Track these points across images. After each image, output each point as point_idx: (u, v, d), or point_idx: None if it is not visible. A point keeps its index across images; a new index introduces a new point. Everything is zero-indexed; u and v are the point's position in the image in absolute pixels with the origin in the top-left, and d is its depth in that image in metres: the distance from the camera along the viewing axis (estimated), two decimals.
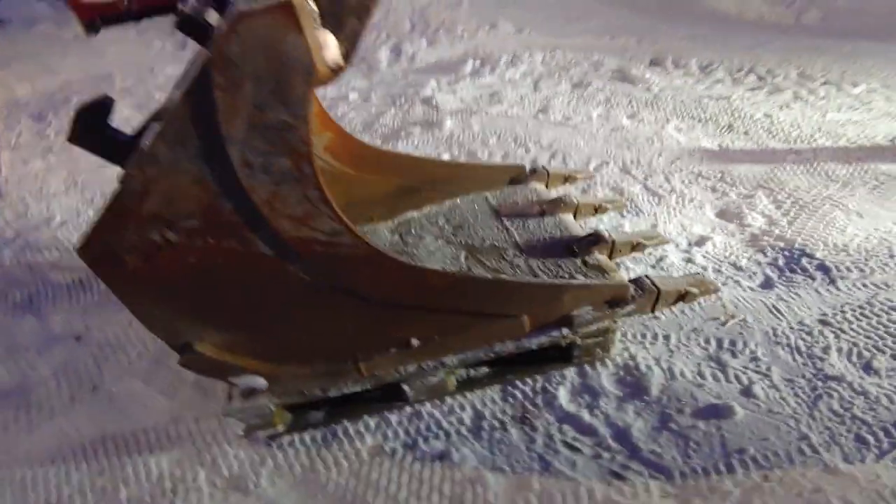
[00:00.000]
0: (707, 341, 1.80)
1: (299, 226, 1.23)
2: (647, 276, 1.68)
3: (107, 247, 1.17)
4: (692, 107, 3.36)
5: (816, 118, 3.08)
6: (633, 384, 1.70)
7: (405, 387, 1.66)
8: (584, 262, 1.80)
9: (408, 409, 1.71)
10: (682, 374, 1.70)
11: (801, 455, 1.44)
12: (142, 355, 2.12)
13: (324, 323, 1.47)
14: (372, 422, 1.69)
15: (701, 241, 2.25)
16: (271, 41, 0.95)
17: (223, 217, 1.19)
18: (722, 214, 2.41)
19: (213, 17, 1.32)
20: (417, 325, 1.55)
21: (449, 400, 1.72)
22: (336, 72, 1.05)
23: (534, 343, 1.66)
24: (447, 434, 1.63)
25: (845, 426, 1.50)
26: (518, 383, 1.74)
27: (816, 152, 2.78)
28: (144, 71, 5.82)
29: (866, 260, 2.05)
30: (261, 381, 1.54)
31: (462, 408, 1.70)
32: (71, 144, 1.24)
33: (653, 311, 1.70)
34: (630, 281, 1.65)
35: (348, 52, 1.34)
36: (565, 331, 1.66)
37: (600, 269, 1.76)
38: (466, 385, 1.75)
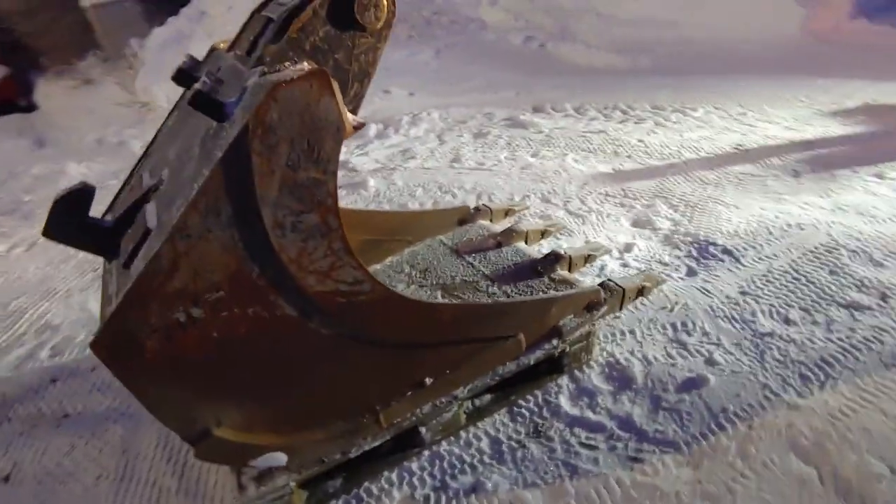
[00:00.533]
0: (664, 328, 2.07)
1: (324, 279, 1.25)
2: (609, 280, 1.92)
3: (126, 334, 1.09)
4: (580, 141, 3.89)
5: (677, 138, 3.74)
6: (620, 377, 1.89)
7: (422, 429, 1.67)
8: (552, 279, 2.00)
9: (426, 453, 1.71)
10: (655, 359, 1.94)
11: (768, 401, 1.72)
12: (103, 477, 1.84)
13: (343, 378, 1.46)
14: (394, 476, 1.66)
15: (628, 248, 2.59)
16: (307, 105, 1.02)
17: (250, 282, 1.18)
18: (636, 223, 2.80)
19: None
20: (430, 362, 1.60)
21: (462, 434, 1.76)
22: (357, 129, 1.14)
23: (531, 359, 1.79)
24: (472, 466, 1.66)
25: (789, 369, 1.82)
26: (521, 402, 1.84)
27: (687, 164, 3.37)
28: (2, 173, 5.17)
29: (754, 239, 2.53)
30: (280, 458, 1.46)
31: (478, 438, 1.75)
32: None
33: (621, 308, 1.93)
34: (598, 286, 1.88)
35: (354, 112, 1.44)
36: (555, 341, 1.81)
37: (567, 283, 1.96)
38: (476, 415, 1.81)
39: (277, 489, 1.48)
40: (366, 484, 1.63)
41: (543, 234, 2.41)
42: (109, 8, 6.88)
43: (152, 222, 1.19)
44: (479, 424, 1.79)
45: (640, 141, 3.76)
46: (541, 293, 1.91)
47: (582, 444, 1.68)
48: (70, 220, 1.24)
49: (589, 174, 3.37)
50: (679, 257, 2.49)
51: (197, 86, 1.07)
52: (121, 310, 1.07)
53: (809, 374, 1.79)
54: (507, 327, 1.71)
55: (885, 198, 2.80)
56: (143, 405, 1.20)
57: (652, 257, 2.52)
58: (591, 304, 1.84)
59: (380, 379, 1.53)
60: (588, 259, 2.19)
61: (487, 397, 1.86)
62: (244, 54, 1.55)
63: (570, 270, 2.11)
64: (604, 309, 1.86)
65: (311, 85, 1.00)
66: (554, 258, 2.06)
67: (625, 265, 2.49)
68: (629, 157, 3.56)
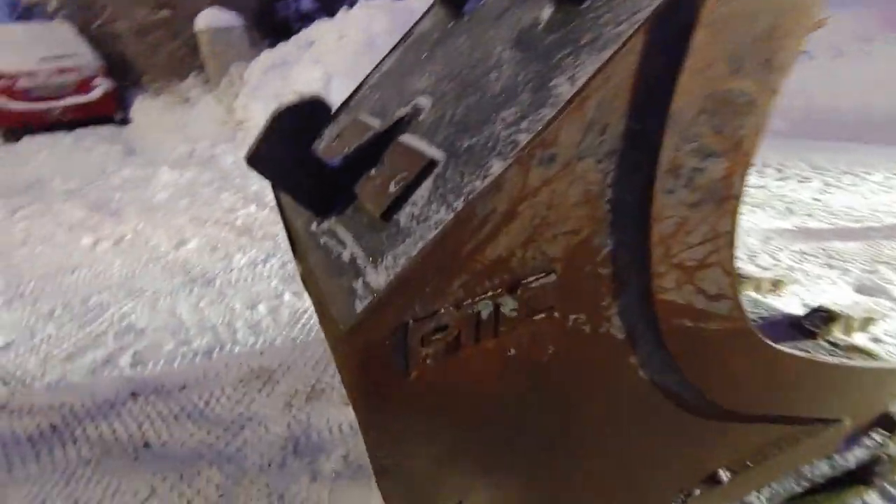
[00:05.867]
0: None
1: (685, 281, 0.74)
2: None
3: (396, 331, 0.61)
4: None
5: (862, 201, 3.16)
6: None
7: None
8: (832, 344, 1.42)
9: None
10: None
11: None
12: None
13: (627, 454, 0.91)
14: None
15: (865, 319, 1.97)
16: None
17: (591, 266, 0.68)
18: (861, 290, 2.20)
19: None
20: (733, 445, 1.03)
21: None
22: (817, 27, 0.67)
23: (851, 459, 1.19)
24: None
25: None
26: None
27: (893, 229, 2.77)
28: (93, 173, 5.07)
29: None
30: None
31: None
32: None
33: None
34: None
35: None
36: (878, 437, 1.21)
37: (860, 351, 1.38)
38: None
39: None
40: None
41: (776, 284, 1.85)
42: (220, 32, 7.06)
43: (432, 153, 0.73)
44: None
45: (815, 200, 3.19)
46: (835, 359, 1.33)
47: None
48: (289, 146, 0.79)
49: (768, 229, 2.81)
50: None
51: None
52: (400, 282, 0.58)
53: None
54: (832, 405, 1.13)
55: None
56: (374, 464, 0.68)
57: None
58: None
59: (670, 461, 0.97)
60: (865, 323, 1.60)
61: None
62: None
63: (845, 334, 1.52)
64: None
65: None
66: (826, 316, 1.49)
67: (876, 340, 1.87)
68: (809, 215, 2.99)
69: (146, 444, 1.65)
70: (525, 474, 0.82)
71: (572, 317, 0.70)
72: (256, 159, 0.78)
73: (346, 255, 0.74)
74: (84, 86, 7.85)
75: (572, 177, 0.60)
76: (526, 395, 0.74)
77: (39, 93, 7.44)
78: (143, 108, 8.06)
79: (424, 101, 0.90)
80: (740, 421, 0.98)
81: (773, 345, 0.92)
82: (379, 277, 0.63)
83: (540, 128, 0.58)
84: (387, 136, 0.87)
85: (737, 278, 0.79)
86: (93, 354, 2.13)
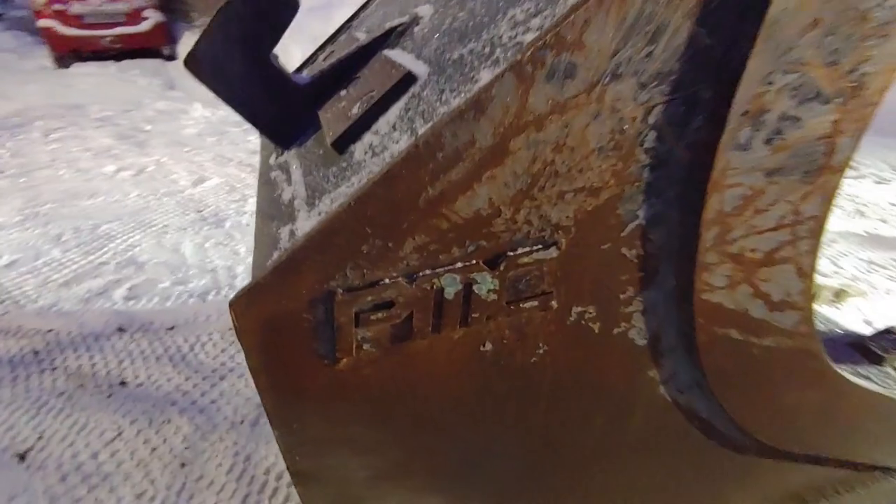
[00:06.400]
0: None
1: (741, 279, 0.54)
2: None
3: (311, 302, 0.43)
4: None
5: None
6: None
7: None
8: None
9: None
10: None
11: None
12: (145, 497, 1.22)
13: (641, 480, 0.73)
14: None
15: None
16: None
17: (606, 250, 0.49)
18: None
19: None
20: (764, 485, 0.84)
21: None
22: None
23: None
24: None
25: None
26: None
27: None
28: (129, 104, 5.05)
29: None
30: None
31: None
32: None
33: None
34: None
35: None
36: None
37: None
38: None
39: None
40: None
41: (838, 295, 1.59)
42: None
43: (413, 66, 0.53)
44: None
45: (893, 205, 2.82)
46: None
47: None
48: (240, 50, 0.61)
49: (833, 231, 2.49)
50: None
51: None
52: (328, 230, 0.41)
53: None
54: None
55: None
56: (289, 463, 0.52)
57: None
58: None
59: (686, 498, 0.79)
60: None
61: None
62: None
63: None
64: None
65: None
66: None
67: None
68: (883, 221, 2.64)
69: (122, 383, 1.57)
70: (501, 498, 0.66)
71: (576, 309, 0.51)
72: (194, 60, 0.61)
73: (286, 195, 0.56)
74: (135, 16, 7.84)
75: (598, 105, 0.40)
76: (502, 406, 0.56)
77: (91, 20, 7.48)
78: (190, 44, 7.99)
79: (426, 10, 0.69)
80: (780, 459, 0.78)
81: (845, 374, 0.71)
82: (307, 225, 0.45)
83: (555, 21, 0.38)
84: (369, 51, 0.68)
85: (814, 285, 0.58)
86: (90, 283, 2.07)
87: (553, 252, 0.47)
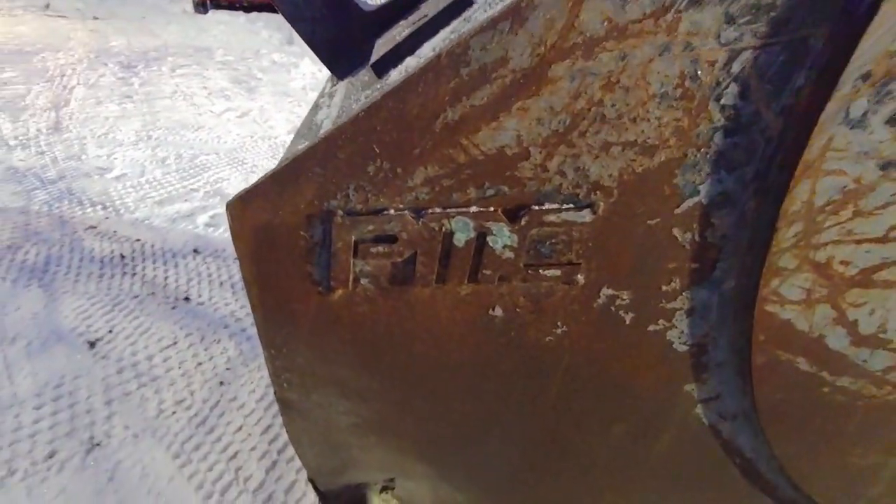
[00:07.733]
0: None
1: (823, 297, 0.43)
2: None
3: (308, 218, 0.40)
4: None
5: None
6: None
7: None
8: None
9: None
10: None
11: None
12: (183, 405, 1.31)
13: None
14: None
15: None
16: None
17: (653, 225, 0.41)
18: None
19: None
20: None
21: None
22: None
23: None
24: None
25: None
26: None
27: None
28: (249, 52, 5.41)
29: None
30: None
31: None
32: None
33: None
34: None
35: None
36: None
37: None
38: None
39: None
40: None
41: None
42: None
43: None
44: None
45: None
46: None
47: None
48: None
49: None
50: None
51: None
52: (332, 142, 0.37)
53: None
54: None
55: None
56: (276, 389, 0.51)
57: None
58: None
59: None
60: None
61: None
62: None
63: None
64: None
65: None
66: None
67: None
68: None
69: (187, 298, 1.69)
70: (494, 487, 0.61)
71: (606, 292, 0.44)
72: None
73: (321, 116, 0.54)
74: None
75: (668, 37, 0.33)
76: (507, 384, 0.50)
77: None
78: None
79: None
80: None
81: None
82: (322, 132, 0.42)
83: None
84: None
85: None
86: (179, 206, 2.24)
87: (587, 216, 0.40)
